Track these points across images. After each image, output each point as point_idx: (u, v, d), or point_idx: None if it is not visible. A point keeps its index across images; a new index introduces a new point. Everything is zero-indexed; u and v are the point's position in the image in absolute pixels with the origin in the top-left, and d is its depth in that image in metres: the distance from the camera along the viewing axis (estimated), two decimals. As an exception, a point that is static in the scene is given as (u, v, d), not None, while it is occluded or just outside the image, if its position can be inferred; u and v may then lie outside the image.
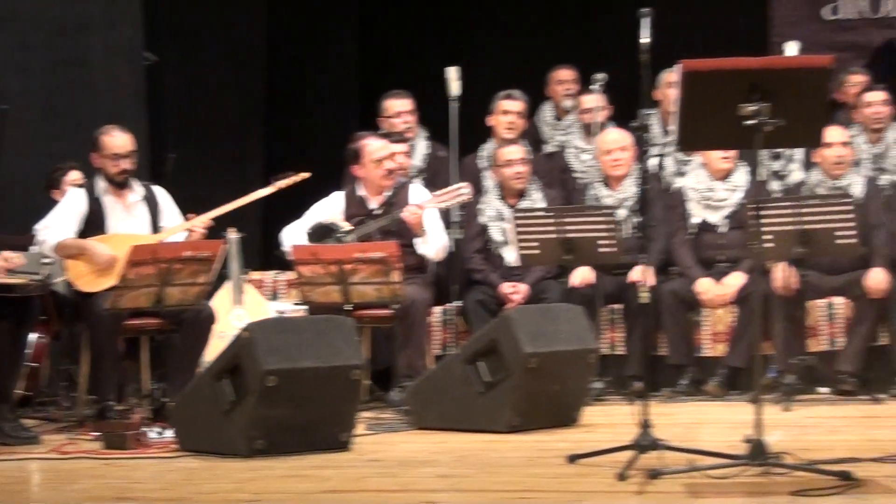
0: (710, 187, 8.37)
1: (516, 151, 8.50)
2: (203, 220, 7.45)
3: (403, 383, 7.50)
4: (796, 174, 8.70)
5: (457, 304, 8.46)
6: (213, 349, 6.93)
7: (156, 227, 7.43)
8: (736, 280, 8.19)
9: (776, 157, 8.76)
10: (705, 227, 8.36)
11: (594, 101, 8.82)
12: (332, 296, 7.45)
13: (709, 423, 7.20)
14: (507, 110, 8.95)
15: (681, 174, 8.66)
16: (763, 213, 7.43)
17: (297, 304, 7.93)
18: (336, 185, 8.41)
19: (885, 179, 8.63)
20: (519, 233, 7.84)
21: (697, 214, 8.37)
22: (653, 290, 7.98)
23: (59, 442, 6.55)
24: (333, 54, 10.81)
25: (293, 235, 8.07)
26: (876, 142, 8.73)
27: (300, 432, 6.05)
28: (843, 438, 6.49)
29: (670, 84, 8.42)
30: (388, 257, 7.40)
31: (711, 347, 8.29)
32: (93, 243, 7.20)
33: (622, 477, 5.17)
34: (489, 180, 8.81)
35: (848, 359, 8.06)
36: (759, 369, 5.62)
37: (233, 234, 8.11)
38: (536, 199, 8.46)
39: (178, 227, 7.45)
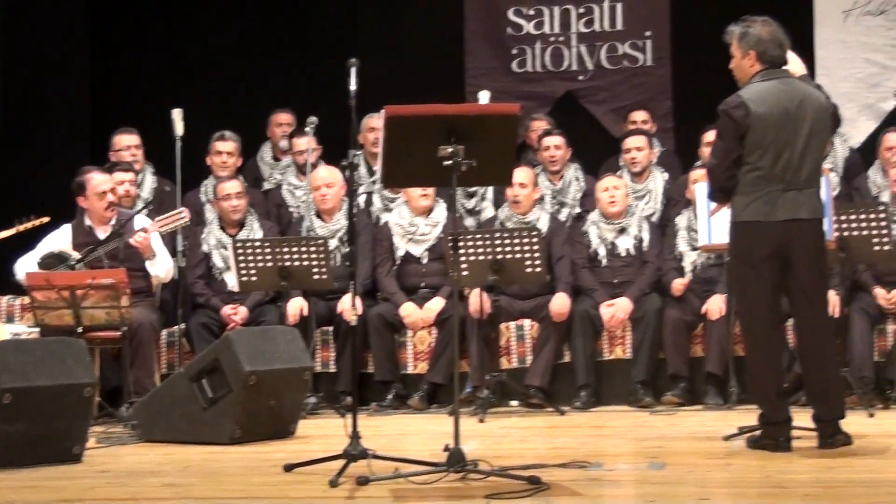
0: (413, 223, 8.72)
1: (234, 186, 8.76)
2: None
3: (132, 400, 7.51)
4: (489, 210, 9.10)
5: (182, 326, 8.58)
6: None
7: None
8: (436, 305, 8.56)
9: (470, 195, 9.16)
10: (409, 257, 8.71)
11: (306, 142, 9.00)
12: (65, 319, 7.57)
13: (412, 433, 7.45)
14: (220, 150, 9.28)
15: (388, 210, 8.98)
16: (460, 245, 7.75)
17: (31, 326, 7.92)
18: (72, 217, 8.45)
19: (564, 214, 9.12)
20: (239, 260, 8.08)
21: (402, 247, 8.72)
22: (361, 314, 8.20)
23: None
24: (66, 97, 10.62)
25: (26, 265, 8.14)
26: (557, 180, 9.26)
27: (35, 446, 6.06)
28: (531, 447, 6.80)
29: (372, 128, 8.92)
30: (117, 283, 7.56)
31: (414, 365, 8.62)
32: None
33: (334, 484, 5.35)
34: (210, 212, 9.05)
35: (536, 375, 8.43)
36: (457, 385, 5.86)
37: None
38: (255, 229, 8.70)
39: None
